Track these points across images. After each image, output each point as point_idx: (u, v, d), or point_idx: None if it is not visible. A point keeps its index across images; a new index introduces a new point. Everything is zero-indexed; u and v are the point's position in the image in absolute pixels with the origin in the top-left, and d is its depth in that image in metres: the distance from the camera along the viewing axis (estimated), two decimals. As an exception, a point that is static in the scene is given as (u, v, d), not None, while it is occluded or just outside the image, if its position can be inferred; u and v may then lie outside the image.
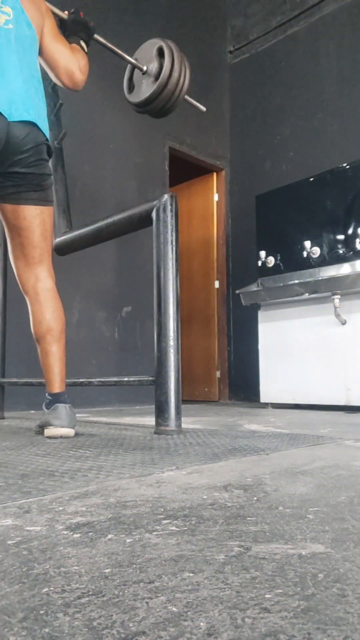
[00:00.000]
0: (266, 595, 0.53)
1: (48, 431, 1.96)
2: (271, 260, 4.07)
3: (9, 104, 1.83)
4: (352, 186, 3.66)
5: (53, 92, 2.61)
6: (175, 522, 0.81)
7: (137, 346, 4.44)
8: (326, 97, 4.72)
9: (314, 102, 4.80)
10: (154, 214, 2.17)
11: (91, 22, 2.22)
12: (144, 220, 2.25)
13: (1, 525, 0.80)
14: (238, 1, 5.52)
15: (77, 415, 2.08)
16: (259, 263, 4.16)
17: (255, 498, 0.96)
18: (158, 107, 2.31)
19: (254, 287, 4.07)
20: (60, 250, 2.70)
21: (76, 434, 2.03)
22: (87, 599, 0.53)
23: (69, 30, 2.17)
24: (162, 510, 0.88)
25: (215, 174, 5.50)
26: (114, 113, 4.41)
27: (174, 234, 2.15)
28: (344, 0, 4.67)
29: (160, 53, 2.28)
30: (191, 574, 0.59)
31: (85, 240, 2.59)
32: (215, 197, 5.50)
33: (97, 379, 2.71)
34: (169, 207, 2.15)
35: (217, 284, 5.41)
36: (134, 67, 2.37)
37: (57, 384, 2.05)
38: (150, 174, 4.70)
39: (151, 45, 2.33)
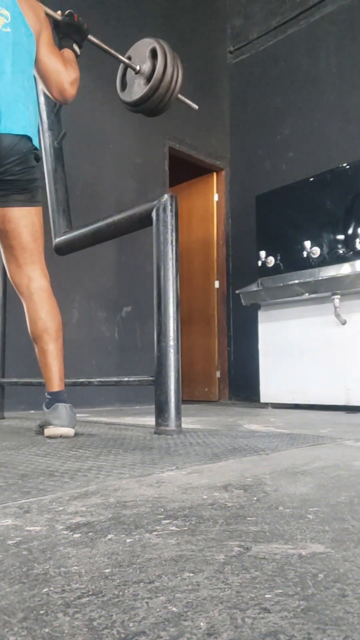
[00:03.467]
0: (266, 595, 0.53)
1: (48, 430, 1.96)
2: (271, 260, 4.07)
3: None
4: (352, 186, 3.66)
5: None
6: (175, 522, 0.81)
7: (137, 346, 4.44)
8: (326, 97, 4.72)
9: (314, 102, 4.79)
10: (154, 214, 2.17)
11: (85, 23, 2.22)
12: (144, 220, 2.25)
13: (1, 525, 0.80)
14: (238, 1, 5.52)
15: (77, 415, 2.08)
16: (259, 263, 4.16)
17: (255, 498, 0.96)
18: (151, 107, 2.34)
19: (254, 287, 4.07)
20: (60, 250, 2.70)
21: (76, 434, 2.03)
22: (87, 599, 0.53)
23: (63, 32, 2.17)
24: (162, 510, 0.88)
25: (215, 174, 5.50)
26: (114, 113, 4.41)
27: (174, 234, 2.14)
28: (344, 0, 4.67)
29: (154, 54, 2.29)
30: (191, 574, 0.59)
31: (85, 240, 2.59)
32: (215, 197, 5.50)
33: (97, 379, 2.71)
34: (169, 207, 2.15)
35: (217, 284, 5.41)
36: (126, 66, 2.39)
37: (55, 383, 2.05)
38: (150, 174, 4.69)
39: (144, 45, 2.34)
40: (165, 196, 2.16)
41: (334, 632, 0.45)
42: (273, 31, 5.16)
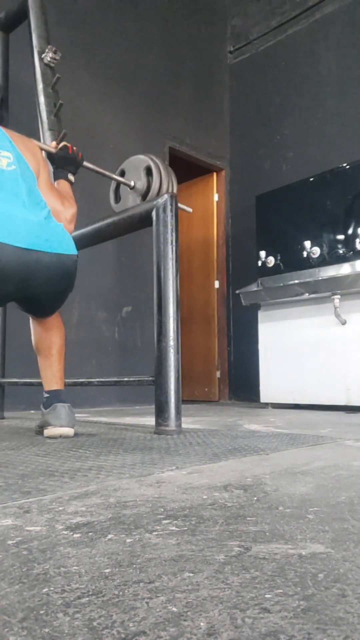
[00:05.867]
0: (266, 595, 0.53)
1: (47, 431, 1.96)
2: (271, 260, 4.07)
3: (34, 238, 1.85)
4: (352, 186, 3.66)
5: (53, 92, 2.61)
6: (175, 522, 0.81)
7: (137, 346, 4.44)
8: (326, 97, 4.72)
9: (314, 102, 4.80)
10: (154, 214, 2.17)
11: (79, 154, 2.28)
12: (144, 220, 2.25)
13: (1, 525, 0.80)
14: (238, 1, 5.52)
15: (77, 415, 2.08)
16: (259, 263, 4.16)
17: (255, 498, 0.96)
18: None
19: (254, 287, 4.07)
20: (60, 251, 2.70)
21: (76, 434, 2.03)
22: (87, 599, 0.53)
23: (58, 164, 2.22)
24: (162, 510, 0.88)
25: (215, 174, 5.50)
26: (114, 113, 4.41)
27: (174, 234, 2.15)
28: (344, 0, 4.67)
29: (148, 171, 2.35)
30: (191, 574, 0.59)
31: (85, 240, 2.59)
32: (215, 197, 5.50)
33: (97, 379, 2.71)
34: (169, 207, 2.15)
35: (217, 284, 5.41)
36: (120, 183, 2.45)
37: (55, 381, 2.05)
38: (150, 174, 4.69)
39: (139, 162, 2.42)
40: (165, 196, 2.16)
41: (334, 632, 0.45)
42: (273, 31, 5.16)
